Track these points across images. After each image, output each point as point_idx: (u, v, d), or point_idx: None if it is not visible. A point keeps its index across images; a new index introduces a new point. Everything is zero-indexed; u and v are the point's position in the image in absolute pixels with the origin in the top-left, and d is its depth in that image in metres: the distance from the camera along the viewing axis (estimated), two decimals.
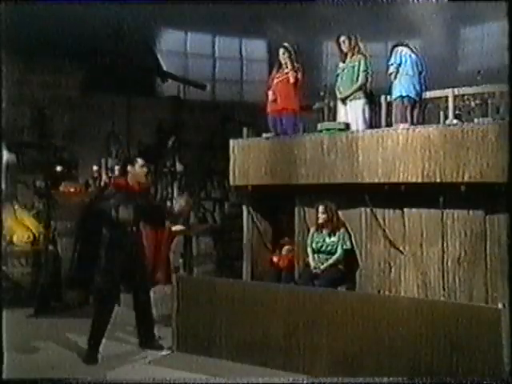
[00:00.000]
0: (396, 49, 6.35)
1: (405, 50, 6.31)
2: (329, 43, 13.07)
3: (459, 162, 5.16)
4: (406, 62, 6.23)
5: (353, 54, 6.52)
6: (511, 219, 4.30)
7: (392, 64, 6.27)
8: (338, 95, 6.66)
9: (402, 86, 6.22)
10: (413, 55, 6.29)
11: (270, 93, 6.76)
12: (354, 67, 6.50)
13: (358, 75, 6.45)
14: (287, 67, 6.68)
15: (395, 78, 6.26)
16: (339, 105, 6.67)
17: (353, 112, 6.46)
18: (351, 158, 5.75)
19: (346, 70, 6.57)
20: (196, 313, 5.33)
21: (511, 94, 4.00)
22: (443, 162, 5.24)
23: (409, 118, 6.09)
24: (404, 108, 6.17)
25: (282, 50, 6.76)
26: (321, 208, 5.88)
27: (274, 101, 6.72)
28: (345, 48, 6.56)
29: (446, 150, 5.23)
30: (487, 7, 8.71)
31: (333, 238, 5.87)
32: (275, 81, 6.75)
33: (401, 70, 6.23)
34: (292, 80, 6.62)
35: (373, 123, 6.54)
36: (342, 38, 6.58)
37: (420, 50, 6.45)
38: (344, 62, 6.61)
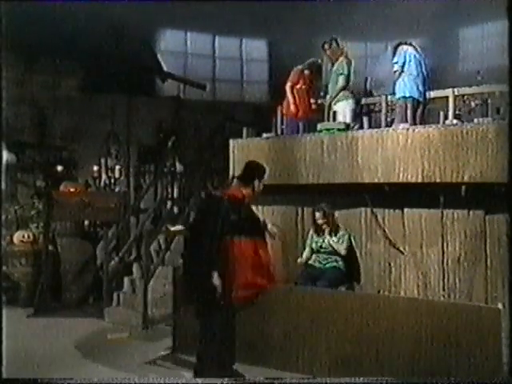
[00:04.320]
0: (400, 47, 6.33)
1: (409, 49, 6.30)
2: None
3: (459, 162, 5.16)
4: (410, 61, 6.23)
5: (336, 59, 6.71)
6: (511, 219, 4.30)
7: (396, 62, 6.27)
8: (327, 100, 6.86)
9: (406, 86, 6.21)
10: (417, 55, 6.28)
11: (290, 97, 6.94)
12: (336, 71, 6.70)
13: (339, 79, 6.61)
14: (317, 80, 7.00)
15: (399, 77, 6.24)
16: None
17: (337, 115, 6.62)
18: (351, 158, 5.75)
19: (332, 75, 6.75)
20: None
21: (511, 93, 4.00)
22: (443, 162, 5.23)
23: (410, 119, 6.09)
24: (406, 108, 6.17)
25: (323, 66, 7.01)
26: (317, 214, 5.88)
27: (294, 105, 6.91)
28: (329, 53, 6.79)
29: (446, 150, 5.23)
30: (487, 7, 8.70)
31: (334, 238, 5.86)
32: (299, 85, 6.93)
33: (405, 69, 6.22)
34: (312, 88, 6.92)
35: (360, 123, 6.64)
36: (325, 46, 6.79)
37: (420, 50, 6.46)
38: (333, 65, 6.80)
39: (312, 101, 7.15)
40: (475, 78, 7.08)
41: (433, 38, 10.99)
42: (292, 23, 11.20)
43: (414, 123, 5.99)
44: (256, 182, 4.70)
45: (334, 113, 6.67)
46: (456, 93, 6.66)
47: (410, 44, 6.37)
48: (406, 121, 6.02)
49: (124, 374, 4.80)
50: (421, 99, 6.28)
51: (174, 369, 4.94)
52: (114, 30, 9.86)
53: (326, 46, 6.78)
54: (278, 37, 11.96)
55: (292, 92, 6.95)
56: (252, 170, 4.77)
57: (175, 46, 13.25)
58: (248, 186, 4.67)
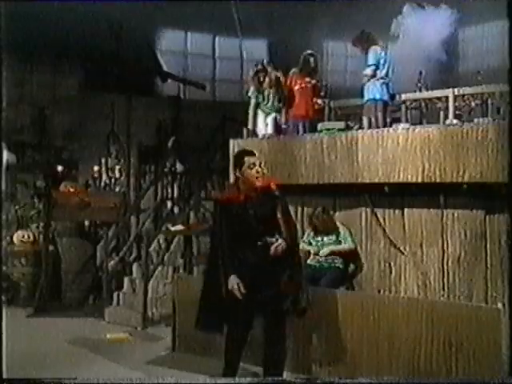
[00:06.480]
0: (373, 49, 6.20)
1: (383, 52, 6.19)
2: (329, 43, 13.11)
3: (459, 162, 5.16)
4: (383, 64, 6.14)
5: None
6: (511, 219, 4.30)
7: (369, 66, 6.14)
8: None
9: (377, 88, 6.09)
10: (386, 55, 6.19)
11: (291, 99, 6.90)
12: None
13: None
14: (313, 76, 6.85)
15: (368, 81, 6.15)
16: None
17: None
18: (351, 158, 5.75)
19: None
20: (196, 313, 5.31)
21: (511, 93, 4.00)
22: (443, 162, 5.23)
23: (381, 121, 6.01)
24: (376, 110, 6.07)
25: (312, 59, 6.86)
26: (317, 212, 5.89)
27: (297, 106, 6.82)
28: (256, 81, 6.84)
29: (446, 150, 5.23)
30: (487, 7, 8.71)
31: (331, 237, 5.86)
32: (298, 86, 6.80)
33: (378, 72, 6.13)
34: (316, 85, 6.83)
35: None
36: (259, 75, 6.82)
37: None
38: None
39: (314, 100, 7.07)
40: (475, 78, 7.07)
41: (433, 37, 10.98)
42: (292, 23, 11.21)
43: (384, 126, 5.94)
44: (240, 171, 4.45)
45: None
46: (456, 93, 6.64)
47: (378, 44, 6.25)
48: (394, 124, 5.92)
49: (124, 373, 4.80)
50: (389, 101, 6.21)
51: (174, 369, 4.94)
52: (114, 29, 9.87)
53: (261, 76, 6.82)
54: (278, 37, 11.96)
55: (290, 94, 6.86)
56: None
57: (175, 45, 13.27)
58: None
